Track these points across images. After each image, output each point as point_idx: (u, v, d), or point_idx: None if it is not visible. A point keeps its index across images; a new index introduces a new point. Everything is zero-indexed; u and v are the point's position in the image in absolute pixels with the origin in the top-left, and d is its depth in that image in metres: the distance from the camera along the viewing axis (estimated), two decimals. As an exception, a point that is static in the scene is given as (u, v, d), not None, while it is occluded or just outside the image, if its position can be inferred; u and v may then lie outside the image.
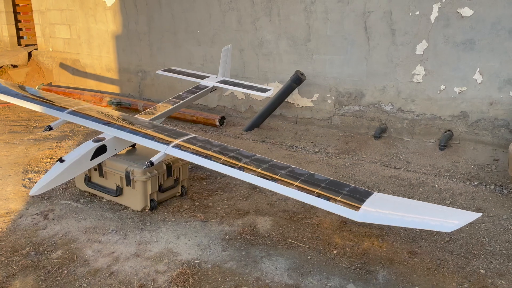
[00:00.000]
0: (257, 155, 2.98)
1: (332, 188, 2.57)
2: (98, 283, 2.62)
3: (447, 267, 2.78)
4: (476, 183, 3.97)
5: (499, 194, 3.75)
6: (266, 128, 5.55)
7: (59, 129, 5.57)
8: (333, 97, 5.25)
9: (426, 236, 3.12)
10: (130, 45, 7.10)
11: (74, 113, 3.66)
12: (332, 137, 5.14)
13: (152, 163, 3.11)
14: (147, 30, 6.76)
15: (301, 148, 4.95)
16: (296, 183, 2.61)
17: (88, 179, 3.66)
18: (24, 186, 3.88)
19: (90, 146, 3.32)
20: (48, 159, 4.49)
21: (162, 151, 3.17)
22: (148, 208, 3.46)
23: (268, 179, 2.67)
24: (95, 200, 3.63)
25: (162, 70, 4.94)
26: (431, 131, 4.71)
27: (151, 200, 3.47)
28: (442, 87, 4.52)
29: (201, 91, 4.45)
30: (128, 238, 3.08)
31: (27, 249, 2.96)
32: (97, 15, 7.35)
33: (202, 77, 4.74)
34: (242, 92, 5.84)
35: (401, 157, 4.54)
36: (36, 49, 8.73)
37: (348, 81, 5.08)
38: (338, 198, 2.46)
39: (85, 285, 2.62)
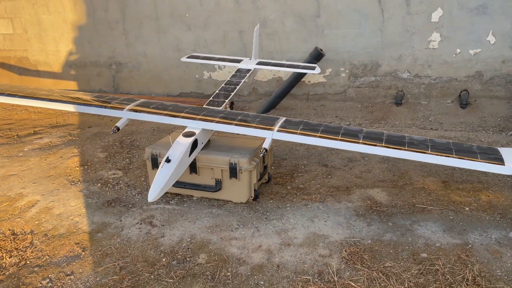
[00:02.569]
0: (364, 129, 3.01)
1: (462, 149, 2.70)
2: (275, 278, 2.48)
3: None
4: (511, 133, 4.43)
5: (537, 140, 4.25)
6: (282, 108, 5.52)
7: (56, 134, 4.94)
8: (347, 71, 5.39)
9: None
10: (98, 35, 6.46)
11: (144, 112, 3.34)
12: (353, 109, 5.30)
13: (266, 150, 2.97)
14: (120, 17, 6.22)
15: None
16: (428, 151, 2.69)
17: (172, 179, 3.35)
18: (89, 198, 3.43)
19: (187, 141, 3.05)
20: (84, 166, 3.99)
21: (269, 137, 3.04)
22: (252, 198, 3.30)
23: (403, 150, 2.72)
24: (185, 199, 3.36)
25: (186, 57, 4.62)
26: (448, 93, 5.11)
27: (254, 190, 3.31)
28: (458, 50, 4.91)
29: (247, 75, 4.28)
30: (262, 229, 2.93)
31: (164, 260, 2.67)
32: (50, 5, 6.55)
33: (234, 61, 4.55)
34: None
35: (430, 119, 4.87)
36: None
37: (362, 53, 5.25)
38: (477, 158, 2.61)
39: (262, 283, 2.47)
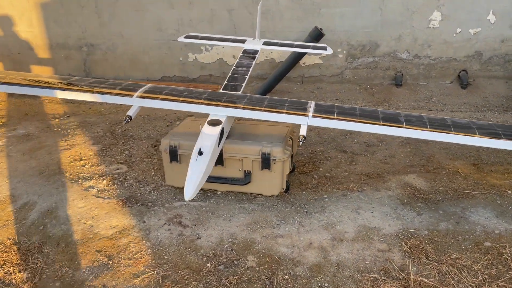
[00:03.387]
0: (401, 112, 2.83)
1: (494, 130, 2.57)
2: (338, 279, 2.27)
3: None
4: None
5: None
6: (277, 92, 5.25)
7: (32, 125, 4.40)
8: (344, 51, 5.20)
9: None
10: (66, 14, 5.84)
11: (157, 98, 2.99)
12: (352, 92, 5.14)
13: (305, 137, 2.72)
14: (92, -6, 5.63)
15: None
16: (470, 133, 2.54)
17: (194, 172, 3.01)
18: (99, 197, 3.02)
19: (216, 131, 2.73)
20: (80, 161, 3.55)
21: (304, 123, 2.79)
22: (283, 190, 3.05)
23: (446, 133, 2.56)
24: (208, 194, 3.04)
25: (184, 37, 4.22)
26: (447, 73, 5.06)
27: (286, 181, 3.05)
28: (458, 30, 4.85)
29: (256, 56, 3.96)
30: (306, 225, 2.69)
31: (208, 265, 2.38)
32: (7, -21, 5.82)
33: (238, 41, 4.21)
34: (234, 57, 5.37)
35: (433, 100, 4.80)
36: None
37: (361, 33, 5.07)
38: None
39: (326, 284, 2.24)
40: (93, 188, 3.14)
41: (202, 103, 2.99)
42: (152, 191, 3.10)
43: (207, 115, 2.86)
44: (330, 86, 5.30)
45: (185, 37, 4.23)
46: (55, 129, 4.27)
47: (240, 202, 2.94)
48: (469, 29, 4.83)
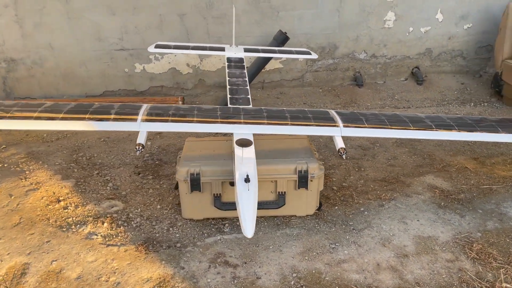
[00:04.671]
0: (423, 114, 2.84)
1: (487, 124, 2.69)
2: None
3: None
4: (471, 104, 4.76)
5: (498, 106, 4.64)
6: (241, 99, 4.98)
7: (-33, 163, 3.60)
8: (304, 54, 5.11)
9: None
10: (-23, 24, 4.91)
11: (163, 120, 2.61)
12: (317, 95, 5.08)
13: (345, 150, 2.57)
14: (10, 0, 4.81)
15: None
16: (473, 130, 2.62)
17: (218, 200, 2.67)
18: (110, 245, 2.52)
19: (251, 152, 2.45)
20: (58, 203, 2.95)
21: (338, 134, 2.65)
22: (317, 208, 2.85)
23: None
24: (238, 223, 2.71)
25: (154, 47, 3.76)
26: (401, 71, 5.26)
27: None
28: (411, 29, 5.06)
29: (244, 64, 3.68)
30: (362, 244, 2.53)
31: (290, 310, 2.08)
32: None
33: (216, 49, 3.88)
34: (188, 65, 5.02)
35: (396, 97, 4.95)
36: None
37: (320, 35, 5.04)
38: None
39: (420, 310, 2.10)
40: (96, 235, 2.60)
41: (221, 122, 2.65)
42: (170, 229, 2.67)
43: (207, 134, 2.53)
44: (292, 90, 5.18)
45: (156, 47, 3.76)
46: (3, 165, 3.51)
47: (278, 228, 2.66)
48: (420, 28, 5.05)
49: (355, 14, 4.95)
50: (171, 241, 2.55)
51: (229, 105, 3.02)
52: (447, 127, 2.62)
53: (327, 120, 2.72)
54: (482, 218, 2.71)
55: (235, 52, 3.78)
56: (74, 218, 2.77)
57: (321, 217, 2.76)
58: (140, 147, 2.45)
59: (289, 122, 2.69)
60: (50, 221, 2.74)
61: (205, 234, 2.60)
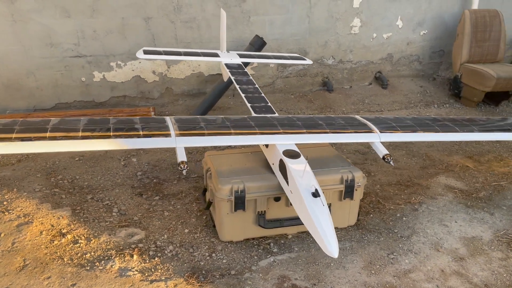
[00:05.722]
0: (439, 117, 2.94)
1: (485, 124, 2.89)
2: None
3: None
4: (435, 106, 5.05)
5: (458, 107, 4.98)
6: (215, 108, 4.75)
7: None
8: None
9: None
10: None
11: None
12: (289, 101, 5.02)
13: (391, 157, 2.55)
14: None
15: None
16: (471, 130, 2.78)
17: (262, 218, 2.47)
18: (155, 281, 2.19)
19: (304, 164, 2.31)
20: (64, 237, 2.51)
21: (377, 140, 2.63)
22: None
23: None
24: (282, 242, 2.54)
25: (144, 53, 3.40)
26: (366, 76, 5.41)
27: (357, 207, 2.78)
28: (374, 35, 5.23)
29: (245, 70, 3.48)
30: (417, 251, 2.50)
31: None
32: None
33: (210, 55, 3.63)
34: (155, 73, 4.67)
35: (366, 101, 5.07)
36: None
37: (290, 41, 4.99)
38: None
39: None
40: (130, 271, 2.23)
41: (261, 133, 2.44)
42: (213, 254, 2.38)
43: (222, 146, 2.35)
44: (267, 97, 5.03)
45: (145, 53, 3.40)
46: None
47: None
48: (383, 34, 5.24)
49: (324, 20, 4.98)
50: (220, 268, 2.27)
51: (253, 114, 2.80)
52: (467, 127, 2.67)
53: (363, 127, 2.65)
54: (510, 214, 2.82)
55: (231, 58, 3.55)
56: (92, 254, 2.35)
57: (362, 227, 2.67)
58: (185, 166, 2.15)
59: (328, 130, 2.57)
60: (65, 259, 2.29)
61: (255, 257, 2.36)
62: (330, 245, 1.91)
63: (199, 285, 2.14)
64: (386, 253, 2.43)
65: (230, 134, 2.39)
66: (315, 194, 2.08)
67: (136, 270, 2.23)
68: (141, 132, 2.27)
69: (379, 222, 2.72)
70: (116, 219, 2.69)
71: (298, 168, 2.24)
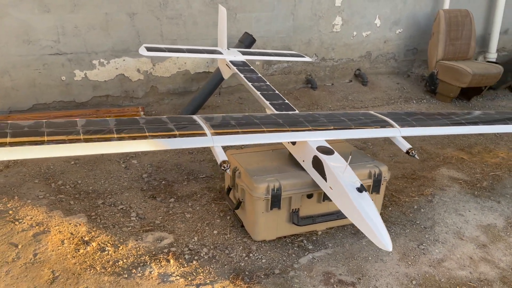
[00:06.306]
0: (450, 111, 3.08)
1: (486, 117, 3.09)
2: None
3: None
4: (414, 101, 5.27)
5: (435, 103, 5.22)
6: (204, 107, 4.67)
7: None
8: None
9: None
10: None
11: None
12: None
13: (414, 150, 2.65)
14: None
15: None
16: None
17: (296, 215, 2.47)
18: (202, 284, 2.13)
19: (340, 159, 2.35)
20: (87, 245, 2.37)
21: (398, 134, 2.73)
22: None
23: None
24: (314, 238, 2.55)
25: (147, 51, 3.27)
26: (346, 73, 5.54)
27: (375, 200, 2.84)
28: (354, 33, 5.37)
29: (251, 67, 3.45)
30: (443, 240, 2.59)
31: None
32: None
33: (211, 52, 3.57)
34: (139, 71, 4.51)
35: (350, 98, 5.19)
36: None
37: (276, 38, 5.01)
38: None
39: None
40: (172, 275, 2.14)
41: (292, 130, 2.44)
42: (250, 255, 2.34)
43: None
44: (251, 95, 5.01)
45: (149, 50, 3.27)
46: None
47: (358, 237, 2.55)
48: (363, 32, 5.38)
49: (307, 18, 5.03)
50: (262, 268, 2.24)
51: (276, 112, 2.78)
52: (473, 122, 2.80)
53: (383, 122, 2.71)
54: (513, 202, 3.00)
55: (234, 55, 3.50)
56: (125, 261, 2.23)
57: (386, 220, 2.73)
58: (227, 165, 2.10)
59: (353, 126, 2.61)
60: (97, 268, 2.16)
61: (293, 255, 2.35)
62: (384, 239, 1.93)
63: (246, 286, 2.09)
64: (416, 244, 2.50)
65: (263, 132, 2.35)
66: (360, 189, 2.09)
67: (178, 275, 2.14)
68: (176, 132, 2.18)
69: (400, 214, 2.79)
70: (137, 224, 2.57)
71: (337, 164, 2.25)
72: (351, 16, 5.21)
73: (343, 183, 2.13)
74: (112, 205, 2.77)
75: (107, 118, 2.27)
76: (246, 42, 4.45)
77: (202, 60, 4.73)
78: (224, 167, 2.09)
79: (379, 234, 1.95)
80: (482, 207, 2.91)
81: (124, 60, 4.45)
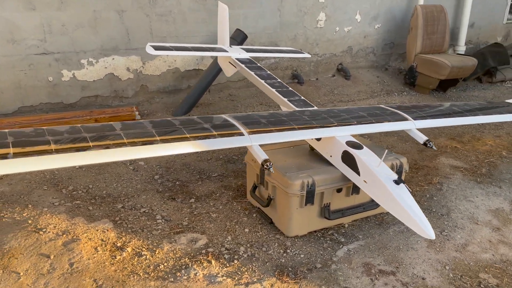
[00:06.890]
0: (452, 103, 3.27)
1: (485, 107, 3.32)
2: None
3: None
4: (395, 94, 5.47)
5: (414, 94, 5.45)
6: (198, 105, 4.64)
7: None
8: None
9: None
10: None
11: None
12: (264, 95, 5.07)
13: (431, 141, 2.79)
14: None
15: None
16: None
17: (327, 209, 2.54)
18: (249, 283, 2.15)
19: (370, 153, 2.45)
20: (122, 251, 2.33)
21: (413, 127, 2.86)
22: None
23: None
24: (343, 231, 2.63)
25: (154, 49, 3.21)
26: (329, 67, 5.66)
27: (394, 191, 2.96)
28: (337, 28, 5.49)
29: (258, 64, 3.46)
30: (461, 226, 2.73)
31: (479, 300, 2.18)
32: None
33: (216, 50, 3.55)
34: (129, 70, 4.42)
35: (335, 92, 5.32)
36: None
37: (263, 34, 5.04)
38: None
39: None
40: (217, 276, 2.14)
41: (321, 126, 2.50)
42: (288, 250, 2.38)
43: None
44: (240, 91, 5.03)
45: (156, 49, 3.21)
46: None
47: (383, 227, 2.64)
48: (344, 28, 5.51)
49: (293, 14, 5.08)
50: (303, 263, 2.28)
51: (296, 108, 2.81)
52: (473, 112, 2.97)
53: (397, 115, 2.81)
54: (515, 186, 3.20)
55: (239, 53, 3.49)
56: (165, 264, 2.20)
57: (404, 209, 2.82)
58: (270, 163, 2.12)
59: (374, 120, 2.69)
60: (140, 274, 2.12)
61: (329, 249, 2.40)
62: (426, 228, 2.02)
63: (294, 282, 2.12)
64: (438, 231, 2.62)
65: (294, 129, 2.38)
66: (398, 181, 2.17)
67: (223, 275, 2.14)
68: (215, 133, 2.17)
69: (415, 203, 2.90)
70: (165, 226, 2.53)
71: (370, 158, 2.32)
72: (333, 12, 5.32)
73: (380, 176, 2.20)
74: (133, 209, 2.70)
75: (142, 121, 2.22)
76: (238, 38, 4.45)
77: (192, 57, 4.67)
78: (267, 166, 2.10)
79: (421, 223, 2.04)
80: (487, 192, 3.09)
81: (113, 58, 4.33)
